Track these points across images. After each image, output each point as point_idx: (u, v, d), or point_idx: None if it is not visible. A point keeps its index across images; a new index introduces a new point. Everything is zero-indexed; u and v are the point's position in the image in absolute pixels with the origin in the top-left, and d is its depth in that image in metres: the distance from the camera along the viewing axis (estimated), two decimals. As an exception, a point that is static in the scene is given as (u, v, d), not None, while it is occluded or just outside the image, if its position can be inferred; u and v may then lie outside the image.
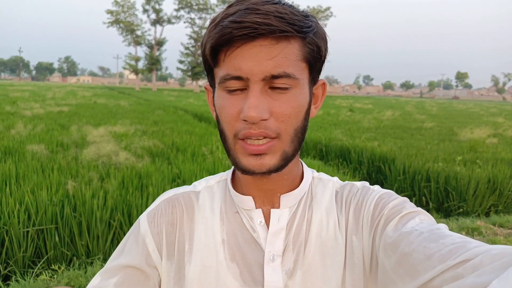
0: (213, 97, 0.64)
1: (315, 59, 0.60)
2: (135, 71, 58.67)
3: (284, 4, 0.57)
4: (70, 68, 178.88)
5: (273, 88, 0.57)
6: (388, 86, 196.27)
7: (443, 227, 0.54)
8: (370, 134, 10.03)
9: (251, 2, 0.55)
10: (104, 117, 12.19)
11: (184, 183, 4.74)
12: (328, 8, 62.35)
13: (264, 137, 0.57)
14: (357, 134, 9.92)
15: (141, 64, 58.70)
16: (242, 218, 0.67)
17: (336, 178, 0.73)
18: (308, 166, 0.72)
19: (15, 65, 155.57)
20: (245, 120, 0.56)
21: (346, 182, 0.72)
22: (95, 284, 0.63)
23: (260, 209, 0.66)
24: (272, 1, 0.56)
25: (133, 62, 58.23)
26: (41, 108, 14.27)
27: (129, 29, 58.38)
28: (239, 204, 0.67)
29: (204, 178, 0.74)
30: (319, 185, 0.71)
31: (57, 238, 3.38)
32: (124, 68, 63.39)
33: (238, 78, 0.56)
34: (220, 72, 0.58)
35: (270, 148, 0.58)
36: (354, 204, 0.66)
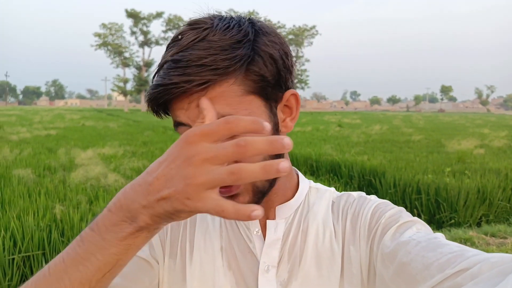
0: None
1: (261, 88, 0.55)
2: (124, 92, 58.62)
3: (212, 32, 0.53)
4: (57, 91, 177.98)
5: None
6: (375, 101, 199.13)
7: (440, 236, 0.54)
8: (360, 149, 10.11)
9: (178, 47, 0.53)
10: (92, 140, 12.10)
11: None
12: (314, 27, 63.68)
13: None
14: (346, 149, 9.99)
15: (129, 86, 58.67)
16: (239, 227, 0.67)
17: (332, 189, 0.72)
18: None
19: (1, 90, 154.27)
20: None
21: (343, 192, 0.71)
22: None
23: (256, 220, 0.63)
24: (199, 37, 0.53)
25: (121, 84, 58.27)
26: (28, 132, 14.12)
27: (117, 51, 58.60)
28: None
29: None
30: (316, 195, 0.70)
31: (44, 265, 3.28)
32: (113, 90, 63.37)
33: (183, 124, 0.55)
34: (172, 118, 0.58)
35: (238, 188, 0.55)
36: (351, 214, 0.65)
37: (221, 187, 0.51)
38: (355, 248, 0.63)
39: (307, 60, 67.30)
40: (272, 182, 0.60)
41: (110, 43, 57.88)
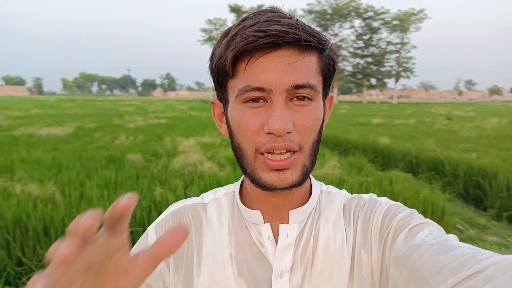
0: (224, 111, 0.63)
1: (330, 72, 0.60)
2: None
3: (297, 19, 0.57)
4: (170, 83, 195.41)
5: (293, 100, 0.56)
6: (495, 91, 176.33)
7: (452, 238, 0.53)
8: (469, 145, 9.09)
9: (267, 16, 0.55)
10: (196, 129, 13.03)
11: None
12: (422, 11, 58.48)
13: (287, 151, 0.56)
14: (453, 145, 9.07)
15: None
16: (250, 233, 0.66)
17: (344, 191, 0.71)
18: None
19: (124, 83, 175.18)
20: (269, 133, 0.55)
21: (354, 195, 0.71)
22: None
23: (268, 224, 0.65)
24: (286, 16, 0.56)
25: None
26: (143, 121, 15.81)
27: (221, 45, 61.89)
28: (247, 218, 0.66)
29: (212, 190, 0.74)
30: (327, 199, 0.70)
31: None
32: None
33: (260, 89, 0.54)
34: (238, 84, 0.56)
35: (292, 163, 0.57)
36: (362, 217, 0.65)
37: (273, 160, 0.55)
38: (366, 252, 0.62)
39: (414, 47, 62.24)
40: (312, 167, 0.60)
41: (215, 38, 61.32)
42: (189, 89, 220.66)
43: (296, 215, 0.65)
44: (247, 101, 0.56)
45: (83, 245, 0.33)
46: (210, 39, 62.04)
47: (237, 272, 0.63)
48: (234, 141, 0.61)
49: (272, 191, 0.59)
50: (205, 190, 4.85)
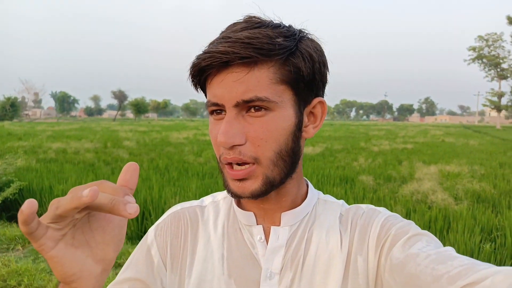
0: None
1: (296, 79, 0.57)
2: (497, 107, 52.64)
3: (264, 26, 0.57)
4: (428, 108, 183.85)
5: (250, 112, 0.57)
6: None
7: (450, 249, 0.53)
8: None
9: (230, 30, 0.58)
10: (444, 156, 11.86)
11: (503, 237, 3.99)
12: None
13: (242, 163, 0.57)
14: None
15: (505, 100, 52.12)
16: (243, 234, 0.67)
17: (342, 201, 0.70)
18: None
19: (381, 108, 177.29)
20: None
21: (352, 205, 0.69)
22: None
23: (261, 226, 0.66)
24: (251, 26, 0.57)
25: (495, 99, 52.66)
26: (388, 145, 15.68)
27: (493, 63, 53.54)
28: (241, 220, 0.68)
29: (212, 194, 0.76)
30: (324, 206, 0.69)
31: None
32: (484, 105, 58.33)
33: (215, 104, 0.57)
34: (206, 98, 0.60)
35: (249, 174, 0.57)
36: (360, 225, 0.64)
37: (233, 170, 0.57)
38: (362, 258, 0.61)
39: None
40: (283, 178, 0.60)
41: (485, 56, 53.69)
42: (451, 113, 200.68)
43: (288, 217, 0.65)
44: (212, 114, 0.60)
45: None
46: (479, 57, 54.77)
47: (227, 272, 0.64)
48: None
49: (240, 199, 0.61)
50: (429, 221, 4.44)
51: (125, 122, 56.64)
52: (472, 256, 3.62)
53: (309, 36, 0.61)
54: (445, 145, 17.21)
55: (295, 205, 0.66)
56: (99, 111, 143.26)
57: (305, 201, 0.67)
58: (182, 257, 0.68)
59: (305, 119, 0.62)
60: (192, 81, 0.60)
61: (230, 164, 0.58)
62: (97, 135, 19.55)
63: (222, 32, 0.59)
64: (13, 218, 5.68)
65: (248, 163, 0.57)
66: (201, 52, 0.57)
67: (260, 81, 0.55)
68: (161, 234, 0.70)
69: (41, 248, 0.41)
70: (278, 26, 0.58)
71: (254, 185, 0.58)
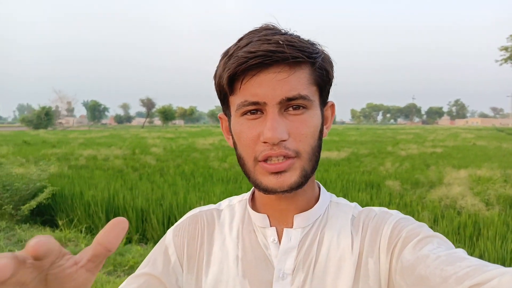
0: (229, 125, 0.68)
1: (324, 82, 0.63)
2: (534, 109, 50.31)
3: (291, 34, 0.61)
4: (459, 110, 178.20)
5: (289, 110, 0.60)
6: None
7: (460, 251, 0.53)
8: None
9: (261, 35, 0.60)
10: (475, 159, 11.47)
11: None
12: None
13: (284, 157, 0.59)
14: None
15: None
16: (257, 236, 0.69)
17: (354, 204, 0.70)
18: None
19: (409, 111, 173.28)
20: (265, 142, 0.59)
21: (365, 207, 0.70)
22: (122, 286, 0.68)
23: (274, 228, 0.68)
24: (280, 32, 0.60)
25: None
26: (416, 149, 15.31)
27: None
28: (255, 222, 0.70)
29: (229, 198, 0.79)
30: (336, 208, 0.70)
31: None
32: (519, 107, 55.90)
33: (255, 103, 0.59)
34: (237, 100, 0.61)
35: (290, 166, 0.59)
36: (372, 227, 0.65)
37: (272, 164, 0.59)
38: (374, 261, 0.62)
39: None
40: (312, 173, 0.63)
41: (519, 55, 51.53)
42: (483, 115, 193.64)
43: (301, 219, 0.67)
44: (245, 114, 0.61)
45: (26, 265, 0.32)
46: (511, 57, 52.67)
47: (242, 273, 0.66)
48: (237, 151, 0.64)
49: (273, 194, 0.62)
50: (458, 227, 4.31)
51: (153, 129, 57.85)
52: (504, 265, 3.50)
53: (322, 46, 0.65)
54: (477, 148, 16.61)
55: (308, 207, 0.68)
56: (128, 118, 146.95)
57: (318, 203, 0.69)
58: (199, 258, 0.70)
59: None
60: (229, 80, 0.60)
61: (264, 161, 0.60)
62: (126, 142, 20.07)
63: (242, 39, 0.61)
64: (46, 223, 5.92)
65: (290, 157, 0.59)
66: (244, 51, 0.58)
67: (300, 81, 0.60)
68: (178, 235, 0.73)
69: None
70: (297, 35, 0.62)
71: (293, 177, 0.60)
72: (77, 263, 0.36)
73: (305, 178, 0.61)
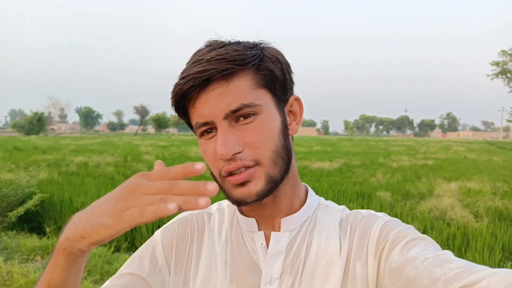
0: None
1: (271, 81, 0.62)
2: (523, 123, 51.05)
3: (227, 44, 0.62)
4: (450, 124, 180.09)
5: (239, 121, 0.60)
6: None
7: (448, 253, 0.53)
8: None
9: (198, 55, 0.61)
10: (465, 172, 11.57)
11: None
12: None
13: (245, 168, 0.59)
14: None
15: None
16: (245, 240, 0.69)
17: (343, 207, 0.70)
18: None
19: (401, 123, 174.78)
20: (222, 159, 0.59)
21: (353, 210, 0.70)
22: (104, 285, 0.67)
23: (262, 232, 0.67)
24: (217, 46, 0.61)
25: (521, 114, 51.16)
26: (408, 161, 15.41)
27: (517, 78, 52.22)
28: (244, 226, 0.70)
29: (218, 201, 0.79)
30: (324, 211, 0.70)
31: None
32: (509, 121, 56.75)
33: (206, 124, 0.60)
34: (193, 123, 0.63)
35: (251, 175, 0.59)
36: (359, 230, 0.65)
37: (232, 175, 0.59)
38: (361, 264, 0.62)
39: None
40: (283, 175, 0.62)
41: (509, 70, 52.51)
42: (474, 129, 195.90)
43: (288, 223, 0.66)
44: (203, 135, 0.62)
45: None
46: (503, 72, 53.57)
47: (229, 277, 0.66)
48: (209, 170, 0.65)
49: (246, 206, 0.62)
50: (447, 238, 4.33)
51: (146, 136, 57.65)
52: (491, 276, 3.51)
53: (269, 45, 0.66)
54: (467, 161, 16.77)
55: (293, 209, 0.68)
56: (122, 126, 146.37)
57: (304, 206, 0.69)
58: (187, 260, 0.70)
59: (287, 117, 0.66)
60: (176, 109, 0.63)
61: (230, 174, 0.60)
62: (118, 149, 19.95)
63: (188, 62, 0.63)
64: (34, 229, 5.83)
65: (249, 167, 0.59)
66: (176, 82, 0.60)
67: (241, 90, 0.59)
68: (167, 236, 0.72)
69: None
70: (239, 42, 0.63)
71: (258, 185, 0.60)
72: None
73: (273, 183, 0.61)
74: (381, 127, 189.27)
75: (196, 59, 0.60)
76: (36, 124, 60.77)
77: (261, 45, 0.64)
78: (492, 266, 3.64)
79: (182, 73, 0.61)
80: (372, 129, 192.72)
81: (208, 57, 0.58)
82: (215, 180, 0.63)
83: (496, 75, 54.68)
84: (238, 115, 0.59)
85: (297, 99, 0.68)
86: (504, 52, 53.85)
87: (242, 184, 0.59)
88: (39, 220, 5.99)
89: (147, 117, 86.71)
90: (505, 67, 53.50)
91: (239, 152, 0.59)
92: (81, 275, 0.55)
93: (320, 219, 0.68)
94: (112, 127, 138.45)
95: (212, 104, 0.59)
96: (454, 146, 32.95)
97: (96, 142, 30.64)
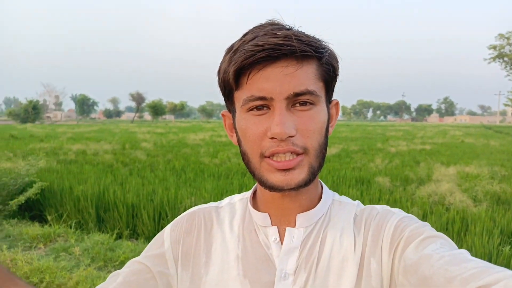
0: (233, 121, 0.66)
1: (330, 78, 0.62)
2: (520, 107, 51.19)
3: (296, 30, 0.60)
4: (448, 108, 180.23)
5: (296, 106, 0.59)
6: None
7: (464, 252, 0.52)
8: None
9: (267, 29, 0.58)
10: (463, 157, 11.64)
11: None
12: None
13: (291, 153, 0.58)
14: None
15: (528, 99, 50.62)
16: (258, 235, 0.68)
17: (357, 202, 0.70)
18: None
19: (399, 108, 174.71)
20: (272, 138, 0.57)
21: (367, 205, 0.69)
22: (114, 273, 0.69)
23: (275, 227, 0.67)
24: (285, 28, 0.59)
25: (517, 98, 51.26)
26: (406, 146, 15.46)
27: (515, 62, 52.13)
28: (256, 221, 0.69)
29: (230, 196, 0.77)
30: (338, 207, 0.69)
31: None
32: (506, 105, 56.90)
33: (262, 98, 0.58)
34: (242, 95, 0.60)
35: (299, 163, 0.58)
36: (374, 226, 0.64)
37: (279, 161, 0.58)
38: (376, 261, 0.61)
39: None
40: (319, 171, 0.62)
41: (506, 54, 52.36)
42: (471, 113, 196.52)
43: (304, 219, 0.66)
44: (251, 110, 0.60)
45: None
46: (500, 56, 53.42)
47: (243, 273, 0.65)
48: (242, 148, 0.63)
49: (279, 192, 0.60)
50: (446, 223, 4.38)
51: (143, 124, 57.41)
52: (490, 259, 3.57)
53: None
54: (465, 145, 16.85)
55: (311, 206, 0.67)
56: (118, 113, 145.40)
57: (320, 202, 0.68)
58: (195, 255, 0.69)
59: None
60: (235, 75, 0.59)
61: (270, 157, 0.59)
62: (116, 137, 19.89)
63: (247, 34, 0.60)
64: (35, 218, 5.85)
65: (297, 154, 0.58)
66: (251, 44, 0.56)
67: (308, 76, 0.59)
68: (175, 230, 0.72)
69: None
70: (303, 32, 0.61)
71: (301, 175, 0.59)
72: None
73: (313, 176, 0.61)
74: (378, 112, 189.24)
75: (269, 32, 0.57)
76: (32, 112, 60.34)
77: (324, 42, 0.62)
78: (491, 249, 3.69)
79: (251, 40, 0.57)
80: (370, 114, 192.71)
81: (283, 33, 0.57)
82: (248, 160, 0.62)
83: (493, 59, 54.52)
84: (298, 100, 0.58)
85: (337, 104, 0.69)
86: (501, 36, 53.57)
87: (285, 170, 0.58)
88: (40, 208, 6.01)
89: (143, 104, 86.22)
90: (502, 50, 53.31)
91: (292, 136, 0.58)
92: None
93: (335, 215, 0.68)
94: (108, 114, 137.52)
95: (276, 81, 0.57)
96: (451, 131, 33.06)
97: (92, 129, 30.53)
